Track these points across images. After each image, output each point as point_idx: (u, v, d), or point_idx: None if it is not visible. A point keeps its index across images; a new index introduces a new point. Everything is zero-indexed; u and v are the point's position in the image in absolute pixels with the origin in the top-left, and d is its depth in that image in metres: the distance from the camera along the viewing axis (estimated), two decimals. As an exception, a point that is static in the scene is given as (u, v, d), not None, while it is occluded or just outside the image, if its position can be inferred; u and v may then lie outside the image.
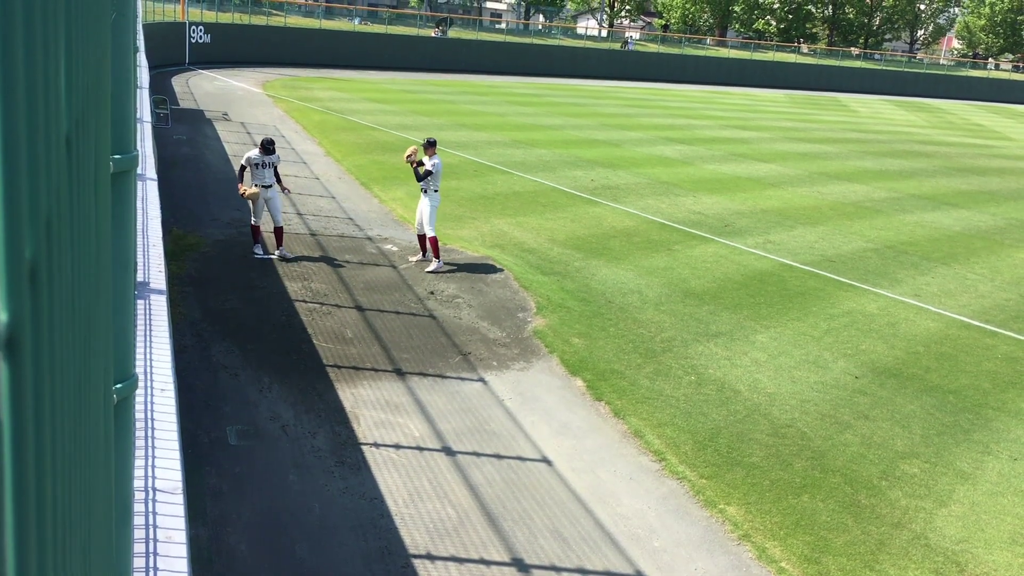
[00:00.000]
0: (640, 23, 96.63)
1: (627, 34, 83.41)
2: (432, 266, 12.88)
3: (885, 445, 8.68)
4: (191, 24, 42.05)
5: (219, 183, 17.35)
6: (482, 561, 6.50)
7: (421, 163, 12.75)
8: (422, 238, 13.17)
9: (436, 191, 12.80)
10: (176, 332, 8.96)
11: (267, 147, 12.57)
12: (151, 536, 2.75)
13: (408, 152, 12.82)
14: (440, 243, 13.17)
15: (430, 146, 12.81)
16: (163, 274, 5.03)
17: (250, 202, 12.88)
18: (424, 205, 12.82)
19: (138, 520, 2.75)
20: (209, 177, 17.93)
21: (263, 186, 12.64)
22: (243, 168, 12.73)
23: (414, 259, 13.35)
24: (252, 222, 12.96)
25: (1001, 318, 13.00)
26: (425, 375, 9.48)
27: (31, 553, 0.73)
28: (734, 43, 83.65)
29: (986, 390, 10.30)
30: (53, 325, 0.86)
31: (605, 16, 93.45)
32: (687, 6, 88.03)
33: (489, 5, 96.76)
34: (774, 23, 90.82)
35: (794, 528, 7.20)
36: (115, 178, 2.08)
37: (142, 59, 12.62)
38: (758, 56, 73.87)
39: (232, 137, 22.81)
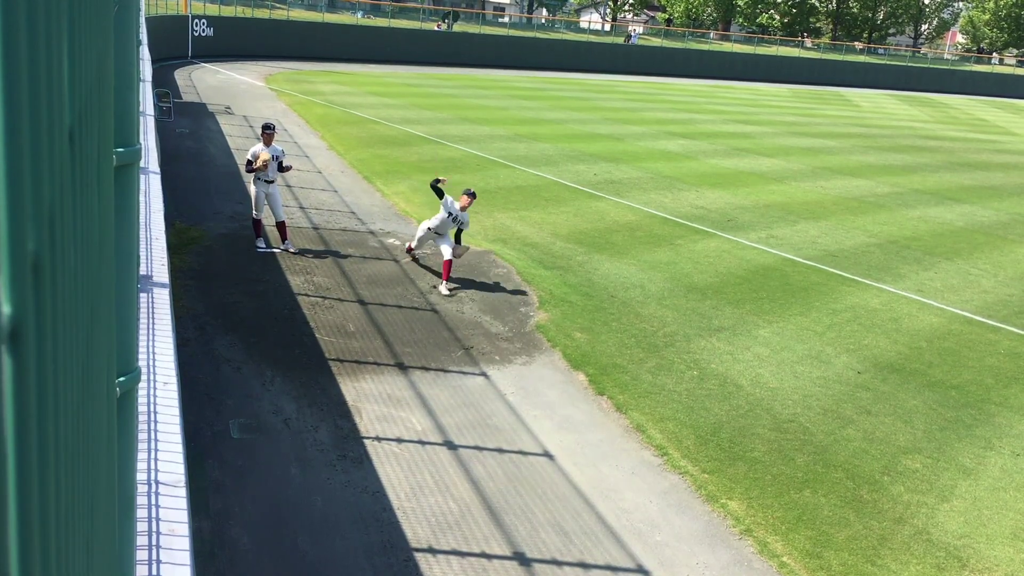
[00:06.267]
0: (643, 17, 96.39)
1: (630, 28, 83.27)
2: (443, 288, 11.97)
3: (887, 440, 8.67)
4: (194, 17, 42.03)
5: (222, 177, 17.35)
6: (484, 555, 6.51)
7: (442, 181, 11.99)
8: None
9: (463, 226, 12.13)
10: (179, 325, 8.97)
11: (267, 129, 12.63)
12: (154, 529, 2.76)
13: (441, 179, 12.05)
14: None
15: (470, 196, 12.00)
16: (166, 267, 5.03)
17: (251, 197, 12.89)
18: (440, 227, 12.11)
19: (141, 513, 2.76)
20: (212, 171, 17.92)
21: (265, 180, 12.65)
22: (249, 163, 12.70)
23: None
24: (253, 216, 12.98)
25: (1004, 313, 12.99)
26: (427, 369, 9.49)
27: (34, 546, 0.73)
28: (737, 37, 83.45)
29: (989, 385, 10.29)
30: (56, 318, 0.86)
31: (608, 10, 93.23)
32: (691, 0, 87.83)
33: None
34: (778, 17, 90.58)
35: (796, 523, 7.20)
36: (118, 171, 2.08)
37: (145, 52, 12.62)
38: (761, 50, 73.67)
39: (235, 131, 22.80)
